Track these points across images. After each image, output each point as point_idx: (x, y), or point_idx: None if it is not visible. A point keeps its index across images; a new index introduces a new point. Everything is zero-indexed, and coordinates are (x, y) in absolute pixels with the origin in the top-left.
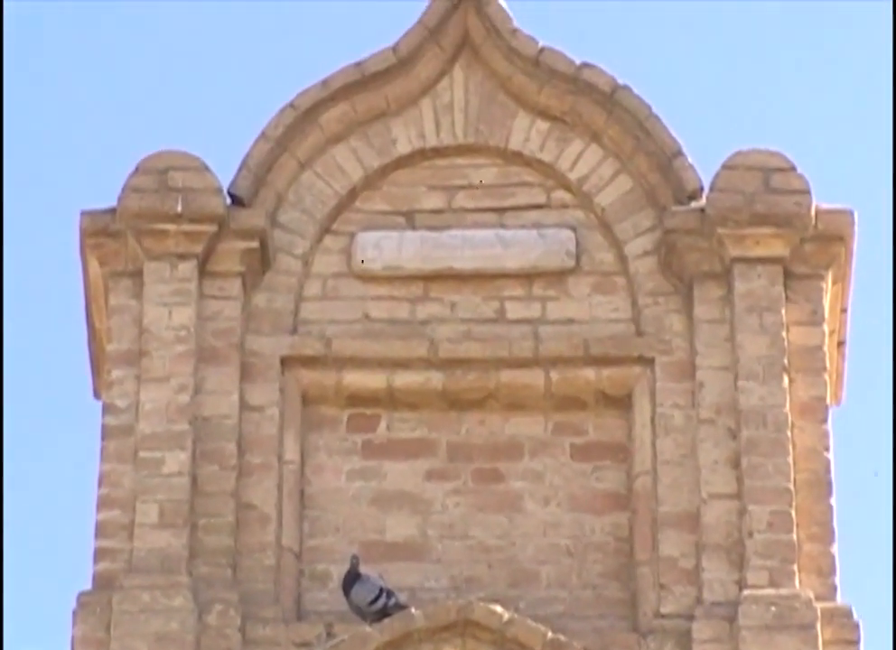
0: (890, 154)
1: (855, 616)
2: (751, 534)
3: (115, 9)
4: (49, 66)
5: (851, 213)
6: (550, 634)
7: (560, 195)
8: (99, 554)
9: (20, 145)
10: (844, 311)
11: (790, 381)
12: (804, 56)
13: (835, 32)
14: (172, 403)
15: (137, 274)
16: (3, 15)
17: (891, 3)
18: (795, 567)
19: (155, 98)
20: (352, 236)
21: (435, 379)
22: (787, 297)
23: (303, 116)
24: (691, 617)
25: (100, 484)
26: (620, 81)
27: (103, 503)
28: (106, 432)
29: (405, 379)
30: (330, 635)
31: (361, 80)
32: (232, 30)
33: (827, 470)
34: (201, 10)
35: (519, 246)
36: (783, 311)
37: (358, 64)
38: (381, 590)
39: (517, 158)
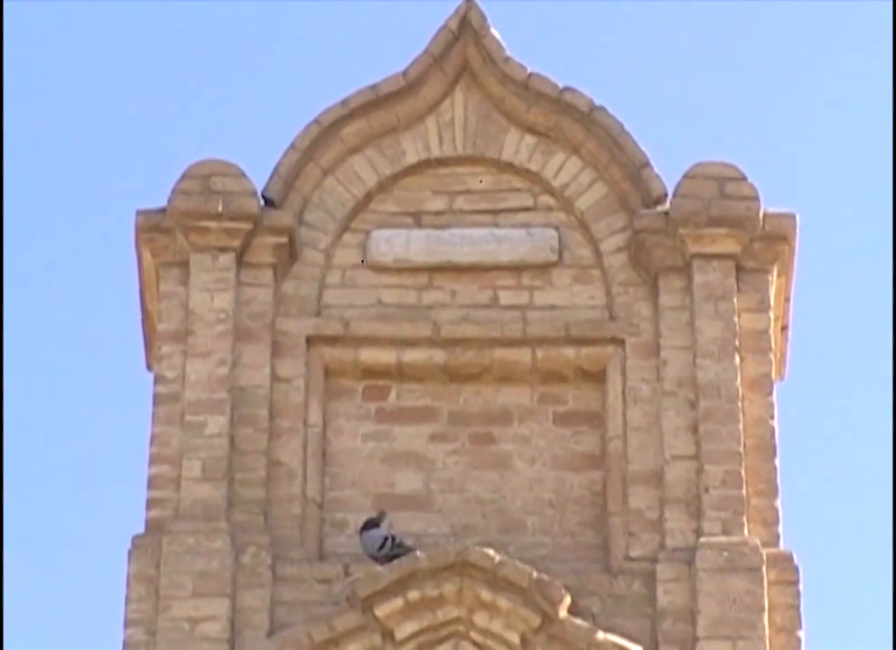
0: (830, 165)
1: (795, 560)
2: (707, 490)
3: (157, 50)
4: (113, 87)
5: (794, 216)
6: (535, 574)
7: (545, 199)
8: (151, 503)
9: (85, 155)
10: (787, 299)
11: (741, 359)
12: (756, 79)
13: (779, 59)
14: (213, 375)
15: (184, 265)
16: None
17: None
18: (744, 518)
19: (201, 114)
20: (367, 233)
21: (438, 356)
22: (738, 288)
23: (325, 131)
24: (655, 561)
25: (152, 443)
26: (597, 103)
27: (154, 459)
28: (157, 399)
29: (412, 356)
30: (347, 573)
31: (376, 100)
32: (268, 59)
33: (772, 436)
34: (241, 45)
35: (510, 242)
36: (735, 300)
37: (373, 86)
38: (386, 538)
39: (508, 168)
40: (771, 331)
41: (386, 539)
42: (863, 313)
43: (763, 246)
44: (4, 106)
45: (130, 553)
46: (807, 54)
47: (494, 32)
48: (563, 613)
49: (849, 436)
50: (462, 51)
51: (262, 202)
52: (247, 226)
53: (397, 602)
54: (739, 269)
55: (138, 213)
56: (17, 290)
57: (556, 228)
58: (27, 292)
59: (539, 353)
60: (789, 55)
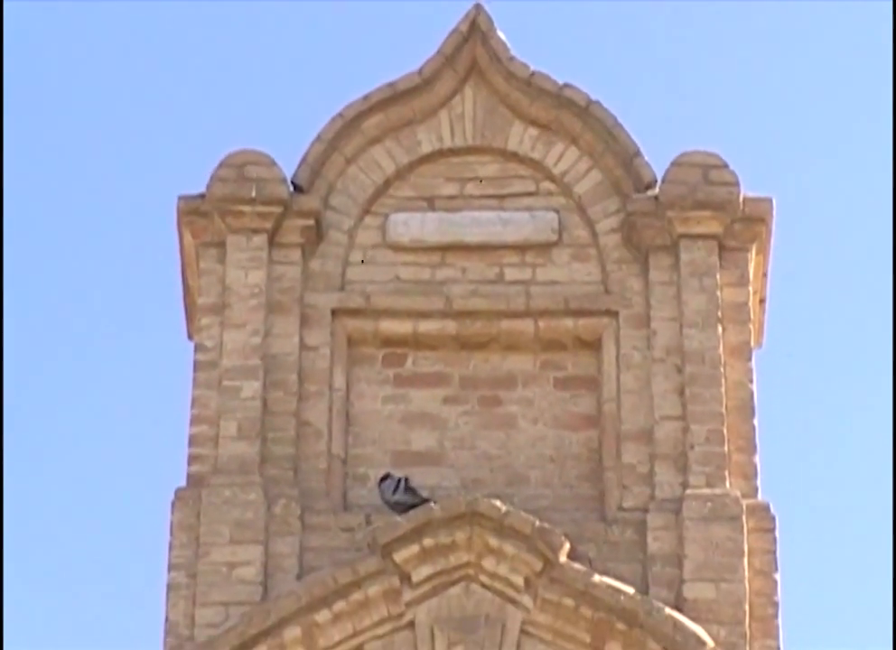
0: (805, 154)
1: (772, 510)
2: (692, 447)
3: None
4: (159, 86)
5: (770, 200)
6: (537, 522)
7: (546, 185)
8: (192, 459)
9: (133, 147)
10: (764, 275)
11: (723, 329)
12: (737, 75)
13: (760, 56)
14: (247, 344)
15: (221, 245)
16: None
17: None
18: (726, 472)
19: (237, 109)
20: (386, 216)
21: (450, 326)
22: (720, 265)
23: (348, 124)
24: (646, 511)
25: (192, 406)
26: (593, 98)
27: (194, 420)
28: (197, 366)
29: (426, 326)
30: (368, 522)
31: (394, 96)
32: (297, 60)
33: (751, 398)
34: (273, 49)
35: (515, 224)
36: (717, 276)
37: (391, 83)
38: (398, 481)
39: (513, 157)
40: (750, 304)
41: (397, 482)
42: (833, 286)
43: (743, 226)
44: (65, 105)
45: (173, 505)
46: (787, 51)
47: (500, 34)
48: (562, 558)
49: (821, 397)
50: (472, 51)
51: (291, 188)
52: (277, 209)
53: (414, 548)
54: (721, 248)
55: (180, 199)
56: (75, 270)
57: (557, 211)
58: (83, 272)
59: (541, 324)
60: (770, 52)
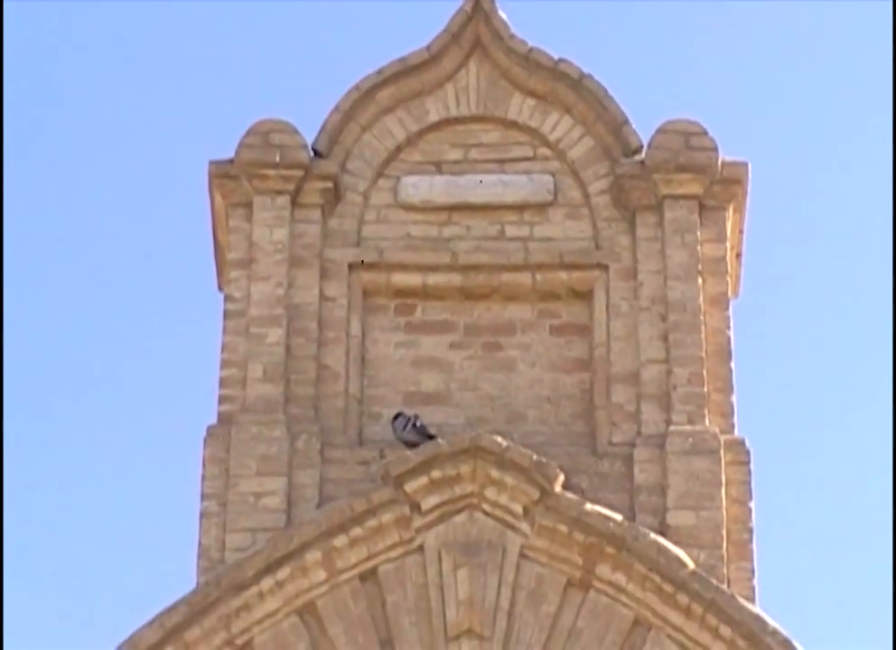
0: (778, 122)
1: (747, 444)
2: (675, 388)
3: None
4: (194, 64)
5: (746, 164)
6: (535, 456)
7: (543, 151)
8: (222, 399)
9: (169, 117)
10: (741, 232)
11: (703, 281)
12: (721, 50)
13: (740, 33)
14: (272, 295)
15: (248, 205)
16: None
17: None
18: (705, 411)
19: (262, 81)
20: (398, 178)
21: (456, 279)
22: (701, 223)
23: (364, 95)
24: (633, 445)
25: (223, 350)
26: (585, 71)
27: (224, 364)
28: (226, 315)
29: (434, 279)
30: (382, 456)
31: (405, 70)
32: (317, 36)
33: (728, 343)
34: (295, 28)
35: (514, 186)
36: (698, 233)
37: (402, 59)
38: (407, 420)
39: (513, 125)
40: (728, 258)
41: (407, 420)
42: (803, 242)
43: (721, 188)
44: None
45: (205, 440)
46: (766, 30)
47: (501, 13)
48: (557, 488)
49: (792, 343)
50: (475, 29)
51: (312, 154)
52: (299, 173)
53: (423, 480)
54: (701, 207)
55: (211, 163)
56: (121, 229)
57: (552, 174)
58: (128, 231)
59: (538, 276)
60: (747, 31)
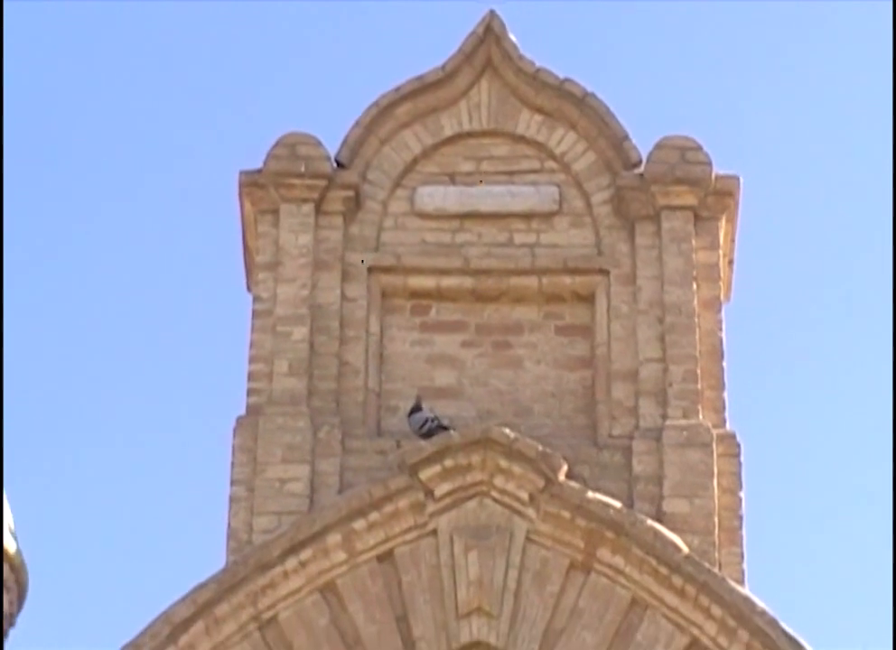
0: (768, 139)
1: (738, 438)
2: (671, 385)
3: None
4: (226, 79)
5: (738, 178)
6: (540, 447)
7: (549, 163)
8: (250, 392)
9: (204, 131)
10: (732, 240)
11: (697, 286)
12: (714, 70)
13: (734, 50)
14: (297, 296)
15: (275, 212)
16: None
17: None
18: (699, 406)
19: (289, 99)
20: (414, 189)
21: (467, 282)
22: (695, 232)
23: (383, 111)
24: (631, 438)
25: (251, 347)
26: (589, 90)
27: (252, 359)
28: (255, 314)
29: (448, 282)
30: (398, 446)
31: (421, 88)
32: (341, 58)
33: (721, 344)
34: (322, 47)
35: (522, 196)
36: (693, 241)
37: (419, 77)
38: (426, 420)
39: (521, 139)
40: (720, 264)
41: (426, 420)
42: (791, 249)
43: (715, 199)
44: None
45: (235, 430)
46: (759, 49)
47: (511, 36)
48: (561, 477)
49: (780, 343)
50: (487, 50)
51: (335, 165)
52: (323, 183)
53: (436, 468)
54: (696, 217)
55: (241, 173)
56: (156, 234)
57: (558, 186)
58: (163, 236)
59: (544, 280)
60: (740, 52)
